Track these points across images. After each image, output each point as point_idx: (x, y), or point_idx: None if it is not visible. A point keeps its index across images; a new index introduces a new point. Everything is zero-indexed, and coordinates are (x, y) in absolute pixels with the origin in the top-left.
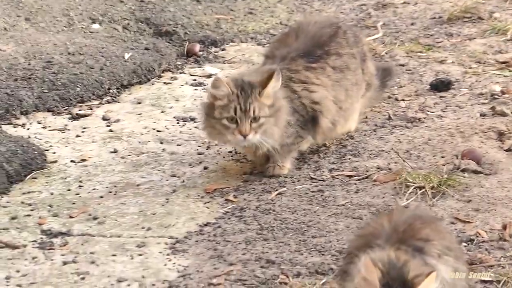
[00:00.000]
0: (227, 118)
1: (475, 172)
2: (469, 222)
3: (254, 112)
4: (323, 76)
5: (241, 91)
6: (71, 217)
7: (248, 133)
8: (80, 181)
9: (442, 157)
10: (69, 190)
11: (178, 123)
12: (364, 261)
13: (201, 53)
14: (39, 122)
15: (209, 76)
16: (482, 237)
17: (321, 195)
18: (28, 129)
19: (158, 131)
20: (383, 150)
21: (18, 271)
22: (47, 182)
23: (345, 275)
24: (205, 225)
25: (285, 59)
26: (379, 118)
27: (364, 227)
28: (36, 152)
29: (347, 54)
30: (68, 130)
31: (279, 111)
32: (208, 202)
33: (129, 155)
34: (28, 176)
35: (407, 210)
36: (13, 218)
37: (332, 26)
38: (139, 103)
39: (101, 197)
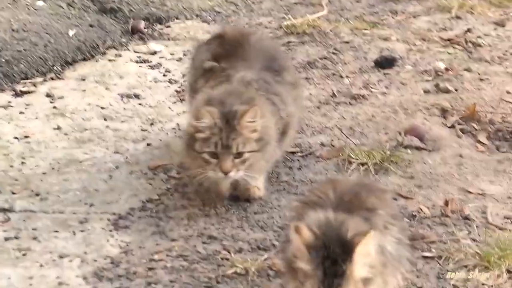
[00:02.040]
0: (208, 153)
1: (418, 148)
2: (411, 198)
3: (237, 148)
4: (286, 92)
5: (226, 123)
6: (13, 193)
7: (230, 170)
8: (23, 158)
9: (386, 133)
10: (11, 166)
11: (122, 100)
12: (293, 226)
13: (146, 30)
14: None
15: (154, 53)
16: (424, 213)
17: None
18: None
19: (102, 108)
20: (326, 127)
21: None
22: None
23: (287, 244)
24: (148, 201)
25: (253, 69)
26: (323, 95)
27: (308, 196)
28: None
29: (292, 67)
30: (12, 106)
31: (268, 144)
32: (151, 179)
33: (73, 132)
34: None
35: (351, 179)
36: None
37: (267, 38)
38: (83, 80)
39: (44, 173)
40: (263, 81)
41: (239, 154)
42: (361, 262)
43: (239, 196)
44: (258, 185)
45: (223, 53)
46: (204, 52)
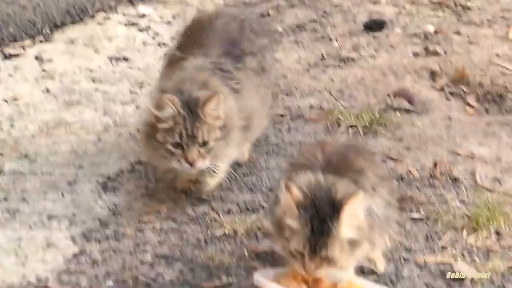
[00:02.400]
0: (172, 144)
1: (407, 111)
2: (400, 160)
3: (202, 137)
4: (247, 79)
5: (189, 111)
6: (2, 155)
7: (196, 160)
8: (12, 120)
9: (375, 96)
10: (0, 129)
11: (111, 62)
12: (284, 183)
13: None
14: None
15: (143, 16)
16: (413, 175)
17: None
18: None
19: (90, 70)
20: (315, 89)
21: None
22: None
23: (276, 204)
24: (137, 163)
25: (210, 56)
26: (312, 58)
27: (297, 157)
28: None
29: (259, 51)
30: (0, 69)
31: (231, 131)
32: (140, 141)
33: (62, 94)
34: None
35: (339, 141)
36: None
37: (236, 19)
38: (72, 43)
39: (33, 135)
40: (218, 69)
41: (204, 143)
42: (349, 223)
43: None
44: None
45: (186, 42)
46: (173, 46)
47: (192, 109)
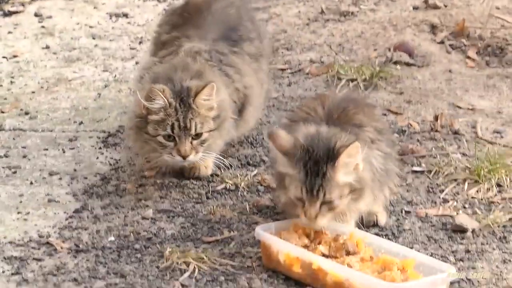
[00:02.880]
0: (164, 136)
1: (408, 64)
2: (401, 113)
3: (195, 128)
4: (244, 64)
5: (180, 102)
6: (2, 112)
7: (189, 153)
8: (12, 77)
9: (375, 50)
10: (0, 85)
11: (110, 19)
12: (268, 133)
13: None
14: None
15: None
16: (414, 128)
17: None
18: None
19: (90, 27)
20: (316, 44)
21: None
22: None
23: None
24: None
25: (206, 39)
26: (311, 12)
27: (296, 112)
28: None
29: (257, 37)
30: (0, 26)
31: (225, 120)
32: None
33: (61, 51)
34: None
35: (339, 94)
36: None
37: (233, 5)
38: None
39: (33, 92)
40: (216, 52)
41: (197, 135)
42: (346, 170)
43: (184, 174)
44: (207, 163)
45: (181, 22)
46: (164, 25)
47: (184, 99)
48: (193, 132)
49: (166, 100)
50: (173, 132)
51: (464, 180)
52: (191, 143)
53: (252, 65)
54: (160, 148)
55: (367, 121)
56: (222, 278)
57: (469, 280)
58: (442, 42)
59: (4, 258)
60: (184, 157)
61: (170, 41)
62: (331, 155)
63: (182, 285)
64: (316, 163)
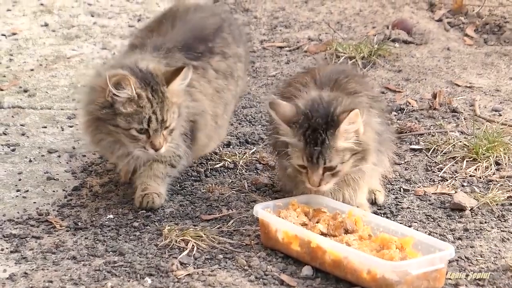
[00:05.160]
0: (137, 129)
1: (406, 42)
2: (399, 91)
3: (171, 119)
4: (203, 80)
5: (152, 92)
6: (1, 89)
7: (162, 146)
8: (10, 54)
9: (373, 27)
10: None
11: None
12: (267, 102)
13: None
14: None
15: None
16: (412, 106)
17: (252, 66)
18: None
19: (89, 4)
20: (314, 21)
21: None
22: None
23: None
24: None
25: (159, 49)
26: None
27: (286, 88)
28: None
29: (233, 56)
30: None
31: (181, 107)
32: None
33: (60, 28)
34: None
35: (328, 67)
36: None
37: (216, 16)
38: None
39: (32, 70)
40: (166, 66)
41: (169, 126)
42: (345, 134)
43: (137, 204)
44: (159, 190)
45: (155, 28)
46: (143, 29)
47: (154, 88)
48: (168, 124)
49: (134, 90)
50: (149, 126)
51: (463, 158)
52: (163, 135)
53: (217, 82)
54: (131, 141)
55: (361, 88)
56: (221, 256)
57: (467, 258)
58: (440, 20)
59: (3, 236)
60: (157, 150)
61: (132, 46)
62: (331, 122)
63: (181, 263)
64: (316, 131)
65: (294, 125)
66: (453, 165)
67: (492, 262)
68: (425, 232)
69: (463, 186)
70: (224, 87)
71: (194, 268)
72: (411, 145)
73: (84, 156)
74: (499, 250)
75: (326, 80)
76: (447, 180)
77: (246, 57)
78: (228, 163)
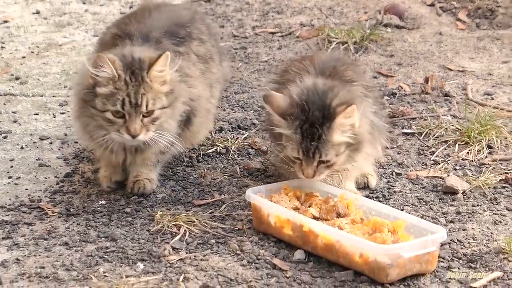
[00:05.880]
0: (112, 112)
1: (398, 26)
2: (391, 76)
3: (147, 105)
4: (189, 63)
5: (131, 75)
6: None
7: (139, 132)
8: (2, 42)
9: (365, 12)
10: None
11: None
12: (262, 96)
13: None
14: None
15: None
16: (405, 91)
17: (244, 52)
18: None
19: None
20: (306, 7)
21: None
22: None
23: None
24: None
25: (148, 39)
26: None
27: (284, 74)
28: None
29: (209, 42)
30: None
31: (178, 97)
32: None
33: (52, 16)
34: None
35: (325, 54)
36: None
37: (187, 10)
38: None
39: (24, 57)
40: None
41: (148, 113)
42: (341, 128)
43: (127, 188)
44: (150, 176)
45: (128, 22)
46: (112, 27)
47: (136, 72)
48: (144, 109)
49: (114, 70)
50: (123, 108)
51: (455, 142)
52: (141, 121)
53: (197, 65)
54: (107, 124)
55: (356, 77)
56: (213, 241)
57: (459, 241)
58: (432, 5)
59: None
60: (134, 136)
61: (111, 39)
62: (327, 116)
63: (173, 248)
64: (312, 124)
65: (289, 117)
66: (445, 149)
67: (484, 245)
68: (417, 216)
69: (455, 169)
70: (206, 69)
71: (186, 253)
72: (403, 129)
73: (76, 142)
74: (491, 233)
75: (325, 66)
76: (439, 164)
77: (218, 47)
78: (220, 148)
